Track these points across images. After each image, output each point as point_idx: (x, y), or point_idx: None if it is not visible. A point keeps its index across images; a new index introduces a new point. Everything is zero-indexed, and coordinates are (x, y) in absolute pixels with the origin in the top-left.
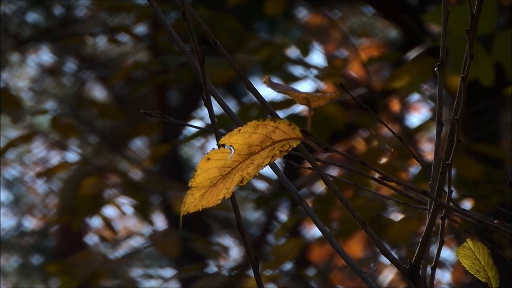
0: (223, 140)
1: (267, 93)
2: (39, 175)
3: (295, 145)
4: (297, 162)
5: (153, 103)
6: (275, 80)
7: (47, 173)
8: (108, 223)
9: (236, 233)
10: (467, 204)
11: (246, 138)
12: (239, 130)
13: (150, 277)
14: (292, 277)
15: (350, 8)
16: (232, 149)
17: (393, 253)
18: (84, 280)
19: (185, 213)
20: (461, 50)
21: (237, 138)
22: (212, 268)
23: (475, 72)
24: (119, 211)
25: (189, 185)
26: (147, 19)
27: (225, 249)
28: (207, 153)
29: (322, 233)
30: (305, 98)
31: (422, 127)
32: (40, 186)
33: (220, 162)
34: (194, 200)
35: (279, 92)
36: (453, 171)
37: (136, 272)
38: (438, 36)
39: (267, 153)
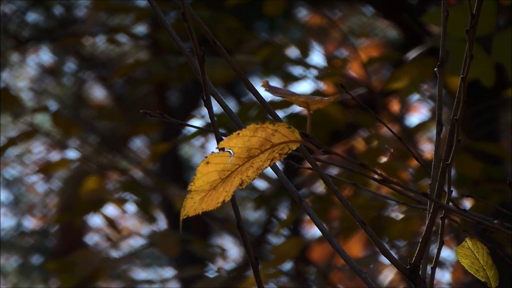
0: (222, 143)
1: (267, 93)
2: (39, 171)
3: (294, 148)
4: (297, 162)
5: (153, 103)
6: (275, 80)
7: (47, 169)
8: (111, 221)
9: (236, 233)
10: (467, 203)
11: (245, 142)
12: (238, 134)
13: (151, 282)
14: (292, 277)
15: (350, 8)
16: (231, 152)
17: (393, 253)
18: (84, 278)
19: (184, 217)
20: (461, 50)
21: (237, 142)
22: (212, 268)
23: (476, 73)
24: (120, 210)
25: (188, 189)
26: (147, 19)
27: (224, 251)
28: (207, 157)
29: (322, 233)
30: (304, 102)
31: (422, 127)
32: (40, 186)
33: (220, 165)
34: (194, 204)
35: (278, 96)
36: (453, 170)
37: (136, 273)
38: (438, 37)
39: (266, 156)
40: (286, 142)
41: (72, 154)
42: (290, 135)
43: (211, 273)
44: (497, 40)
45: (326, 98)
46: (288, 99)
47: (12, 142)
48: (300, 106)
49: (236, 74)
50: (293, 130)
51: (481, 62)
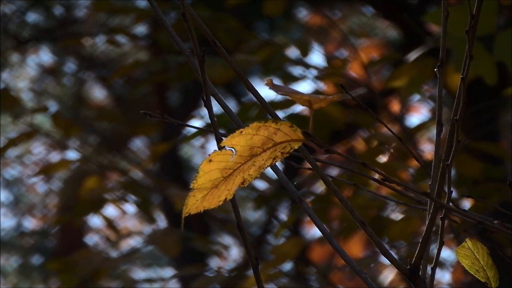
0: (224, 142)
1: (267, 93)
2: (39, 173)
3: (296, 147)
4: (297, 162)
5: (153, 103)
6: (275, 80)
7: (47, 170)
8: (110, 222)
9: (236, 233)
10: (467, 203)
11: (247, 140)
12: (241, 132)
13: (151, 281)
14: (292, 277)
15: (350, 8)
16: (233, 150)
17: (393, 253)
18: (84, 279)
19: (186, 215)
20: (464, 49)
21: (239, 140)
22: (212, 268)
23: (478, 71)
24: (120, 210)
25: (190, 186)
26: (147, 19)
27: (225, 248)
28: (209, 155)
29: (322, 233)
30: (307, 100)
31: (422, 127)
32: (40, 186)
33: (222, 163)
34: (196, 202)
35: (281, 94)
36: (453, 170)
37: (136, 273)
38: (439, 37)
39: (268, 154)
40: (288, 141)
41: (72, 154)
42: (292, 134)
43: (211, 273)
44: (500, 39)
45: (329, 97)
46: (291, 97)
47: (12, 142)
48: (302, 104)
49: (236, 74)
50: (295, 129)
51: (484, 61)
